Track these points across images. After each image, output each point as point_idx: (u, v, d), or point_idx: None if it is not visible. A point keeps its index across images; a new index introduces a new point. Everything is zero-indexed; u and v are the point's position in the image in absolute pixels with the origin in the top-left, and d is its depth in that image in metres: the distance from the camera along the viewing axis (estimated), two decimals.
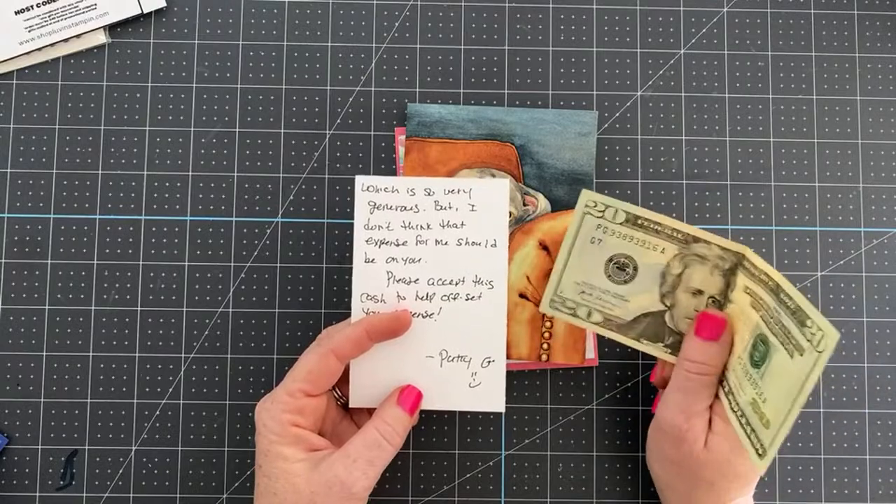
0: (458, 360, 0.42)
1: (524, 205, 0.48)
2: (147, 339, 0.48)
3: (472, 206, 0.42)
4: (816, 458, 0.48)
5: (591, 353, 0.47)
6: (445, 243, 0.42)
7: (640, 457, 0.48)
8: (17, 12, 0.48)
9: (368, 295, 0.41)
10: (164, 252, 0.48)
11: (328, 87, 0.49)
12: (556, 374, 0.48)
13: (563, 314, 0.44)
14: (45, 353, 0.47)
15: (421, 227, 0.42)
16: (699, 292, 0.42)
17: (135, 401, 0.47)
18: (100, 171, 0.48)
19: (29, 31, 0.48)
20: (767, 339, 0.38)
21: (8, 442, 0.47)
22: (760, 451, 0.36)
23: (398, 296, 0.41)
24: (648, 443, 0.44)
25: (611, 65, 0.50)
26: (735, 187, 0.49)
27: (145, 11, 0.49)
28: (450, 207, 0.42)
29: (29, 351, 0.47)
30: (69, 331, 0.48)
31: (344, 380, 0.42)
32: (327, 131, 0.49)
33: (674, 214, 0.49)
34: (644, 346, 0.43)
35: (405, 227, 0.42)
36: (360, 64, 0.49)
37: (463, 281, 0.42)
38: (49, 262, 0.48)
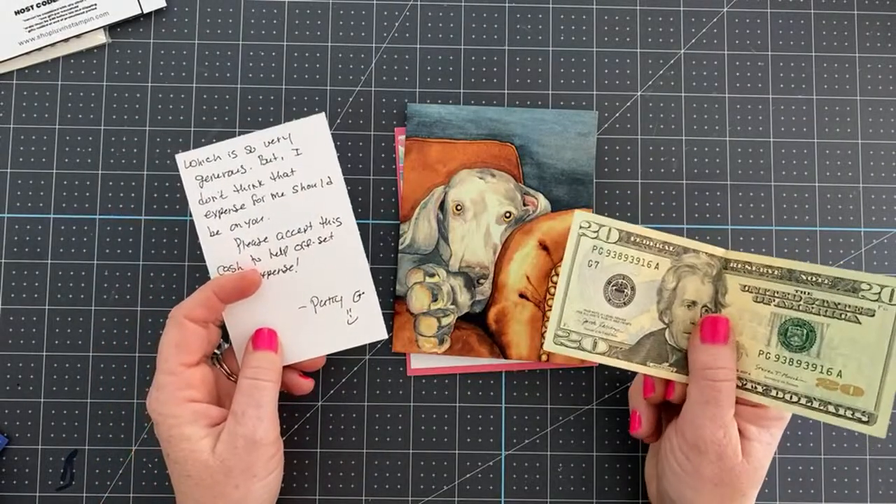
0: (330, 301, 0.43)
1: (524, 205, 0.48)
2: (147, 339, 0.48)
3: (297, 150, 0.42)
4: (816, 458, 0.48)
5: None
6: (282, 195, 0.42)
7: (640, 457, 0.48)
8: (17, 12, 0.48)
9: (224, 267, 0.42)
10: (164, 252, 0.48)
11: (328, 87, 0.49)
12: (556, 374, 0.48)
13: (569, 349, 0.42)
14: (45, 353, 0.47)
15: (253, 185, 0.42)
16: (693, 304, 0.42)
17: (135, 401, 0.47)
18: (100, 171, 0.48)
19: (29, 31, 0.48)
20: (804, 321, 0.39)
21: (8, 442, 0.47)
22: (865, 419, 0.37)
23: (252, 259, 0.42)
24: (669, 469, 0.41)
25: (611, 65, 0.50)
26: (735, 187, 0.49)
27: (145, 11, 0.49)
28: (275, 158, 0.42)
29: (29, 351, 0.47)
30: (69, 331, 0.48)
31: (231, 357, 0.43)
32: None
33: (674, 215, 0.49)
34: (651, 370, 0.42)
35: (238, 190, 0.42)
36: (360, 64, 0.49)
37: (310, 226, 0.42)
38: (49, 262, 0.48)
